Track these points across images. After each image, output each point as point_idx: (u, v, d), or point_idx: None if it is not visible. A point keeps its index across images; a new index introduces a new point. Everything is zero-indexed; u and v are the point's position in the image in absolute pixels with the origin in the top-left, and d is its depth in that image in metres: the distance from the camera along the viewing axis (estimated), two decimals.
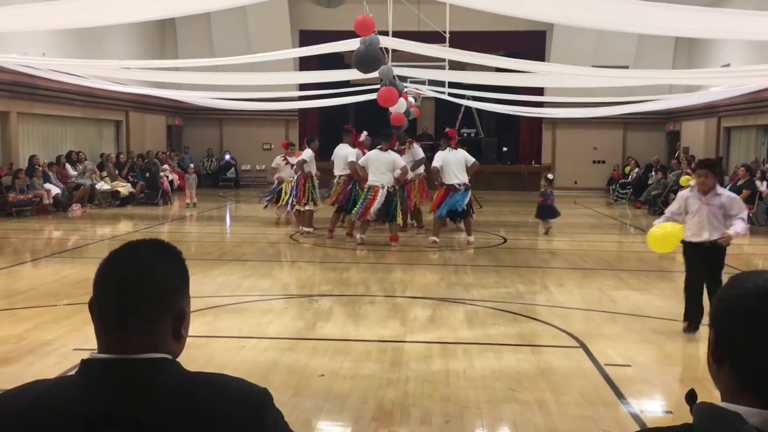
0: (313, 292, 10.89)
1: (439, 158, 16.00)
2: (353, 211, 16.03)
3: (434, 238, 15.91)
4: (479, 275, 12.48)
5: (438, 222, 16.20)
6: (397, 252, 14.94)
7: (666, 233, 8.49)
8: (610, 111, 25.12)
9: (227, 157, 35.22)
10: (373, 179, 15.52)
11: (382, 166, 15.56)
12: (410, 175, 16.74)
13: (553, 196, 18.28)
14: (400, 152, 17.23)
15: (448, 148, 16.08)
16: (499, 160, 35.11)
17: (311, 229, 16.94)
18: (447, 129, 16.82)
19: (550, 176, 18.79)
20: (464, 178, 15.98)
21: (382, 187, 15.54)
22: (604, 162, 35.46)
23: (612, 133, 35.36)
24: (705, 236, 8.76)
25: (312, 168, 16.97)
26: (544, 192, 18.22)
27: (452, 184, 15.74)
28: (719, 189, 8.79)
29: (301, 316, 9.33)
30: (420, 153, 17.46)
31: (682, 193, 9.16)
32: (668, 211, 9.12)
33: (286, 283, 11.73)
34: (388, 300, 10.33)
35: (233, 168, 34.89)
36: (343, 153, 16.96)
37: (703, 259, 8.80)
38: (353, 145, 17.24)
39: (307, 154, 16.90)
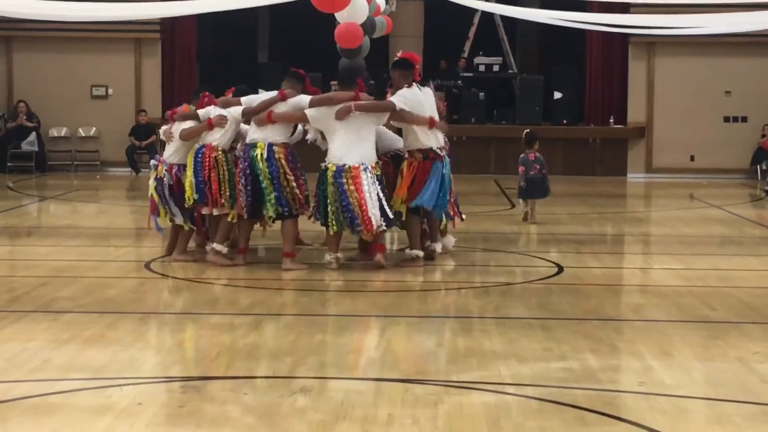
0: (190, 374, 7.70)
1: (403, 100, 10.70)
2: (312, 215, 10.44)
3: (416, 252, 10.90)
4: (512, 337, 8.84)
5: (416, 223, 11.06)
6: (349, 293, 10.21)
7: None
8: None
9: (21, 114, 22.50)
10: (339, 153, 10.20)
11: (351, 131, 10.32)
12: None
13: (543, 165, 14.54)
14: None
15: (415, 86, 10.93)
16: (547, 118, 22.85)
17: (225, 248, 11.00)
18: (401, 53, 11.23)
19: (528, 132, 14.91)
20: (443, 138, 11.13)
21: (365, 170, 10.59)
22: (746, 120, 22.88)
23: (761, 65, 22.50)
24: None
25: (227, 133, 11.17)
26: (539, 159, 14.40)
27: (433, 149, 10.85)
28: None
29: (169, 421, 6.44)
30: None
31: None
32: None
33: (138, 357, 8.55)
34: (336, 385, 7.26)
35: (34, 134, 22.59)
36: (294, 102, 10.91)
37: None
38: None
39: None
